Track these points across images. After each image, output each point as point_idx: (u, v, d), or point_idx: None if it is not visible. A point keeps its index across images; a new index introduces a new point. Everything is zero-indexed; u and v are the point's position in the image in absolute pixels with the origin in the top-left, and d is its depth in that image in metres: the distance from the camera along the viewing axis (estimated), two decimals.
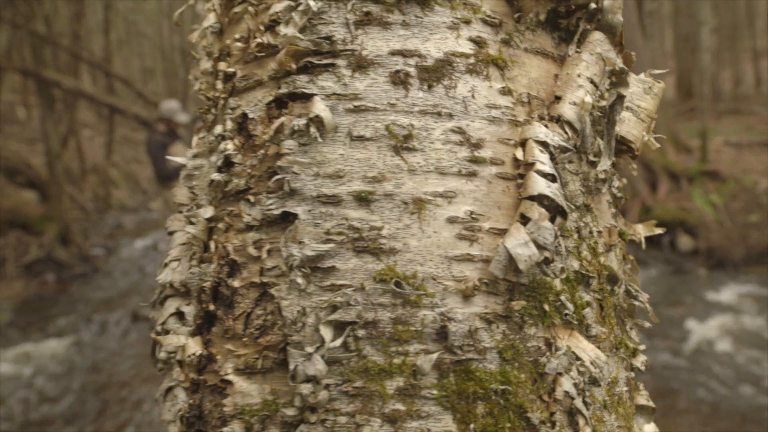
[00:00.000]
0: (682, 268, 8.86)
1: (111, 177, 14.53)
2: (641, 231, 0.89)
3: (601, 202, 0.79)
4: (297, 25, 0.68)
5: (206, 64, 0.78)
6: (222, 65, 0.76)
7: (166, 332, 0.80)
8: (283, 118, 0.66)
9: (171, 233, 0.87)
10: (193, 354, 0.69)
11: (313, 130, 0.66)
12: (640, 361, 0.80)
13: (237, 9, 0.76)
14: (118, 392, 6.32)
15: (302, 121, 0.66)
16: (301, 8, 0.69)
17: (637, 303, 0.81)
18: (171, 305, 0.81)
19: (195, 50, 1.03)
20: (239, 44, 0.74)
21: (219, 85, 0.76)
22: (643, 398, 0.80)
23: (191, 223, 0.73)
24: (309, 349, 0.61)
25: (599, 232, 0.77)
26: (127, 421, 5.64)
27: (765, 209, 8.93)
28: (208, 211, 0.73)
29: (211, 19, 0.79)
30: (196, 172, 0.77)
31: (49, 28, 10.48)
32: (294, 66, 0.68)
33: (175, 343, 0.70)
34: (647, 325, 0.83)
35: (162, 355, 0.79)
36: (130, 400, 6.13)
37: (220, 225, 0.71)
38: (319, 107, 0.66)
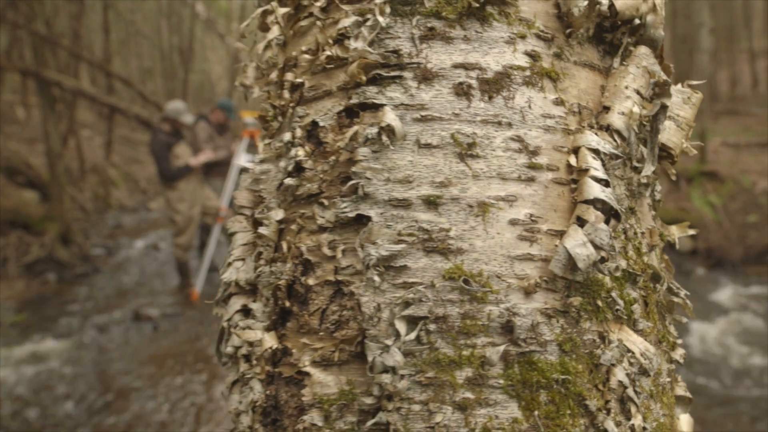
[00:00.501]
0: (681, 268, 8.94)
1: (110, 177, 14.53)
2: (675, 232, 0.94)
3: (642, 205, 0.85)
4: (366, 40, 0.73)
5: (272, 75, 0.83)
6: (289, 75, 0.80)
7: (232, 328, 0.85)
8: (356, 127, 0.71)
9: (232, 234, 0.92)
10: (269, 348, 0.74)
11: (384, 138, 0.70)
12: (678, 354, 0.85)
13: (303, 23, 0.80)
14: (122, 391, 6.34)
15: (374, 130, 0.71)
16: (369, 24, 0.74)
17: (676, 299, 0.86)
18: (236, 302, 0.86)
19: (244, 58, 1.08)
20: (307, 56, 0.79)
21: (286, 94, 0.80)
22: (681, 389, 0.86)
23: (261, 224, 0.78)
24: (387, 342, 0.65)
25: (642, 233, 0.82)
26: (130, 421, 5.67)
27: (763, 209, 9.02)
28: (278, 214, 0.77)
29: (275, 32, 0.84)
30: (263, 176, 0.82)
31: (50, 28, 10.49)
32: (364, 78, 0.73)
33: (253, 337, 0.75)
34: (684, 320, 0.88)
35: (228, 349, 0.84)
36: (134, 400, 6.15)
37: (293, 227, 0.76)
38: (390, 117, 0.71)
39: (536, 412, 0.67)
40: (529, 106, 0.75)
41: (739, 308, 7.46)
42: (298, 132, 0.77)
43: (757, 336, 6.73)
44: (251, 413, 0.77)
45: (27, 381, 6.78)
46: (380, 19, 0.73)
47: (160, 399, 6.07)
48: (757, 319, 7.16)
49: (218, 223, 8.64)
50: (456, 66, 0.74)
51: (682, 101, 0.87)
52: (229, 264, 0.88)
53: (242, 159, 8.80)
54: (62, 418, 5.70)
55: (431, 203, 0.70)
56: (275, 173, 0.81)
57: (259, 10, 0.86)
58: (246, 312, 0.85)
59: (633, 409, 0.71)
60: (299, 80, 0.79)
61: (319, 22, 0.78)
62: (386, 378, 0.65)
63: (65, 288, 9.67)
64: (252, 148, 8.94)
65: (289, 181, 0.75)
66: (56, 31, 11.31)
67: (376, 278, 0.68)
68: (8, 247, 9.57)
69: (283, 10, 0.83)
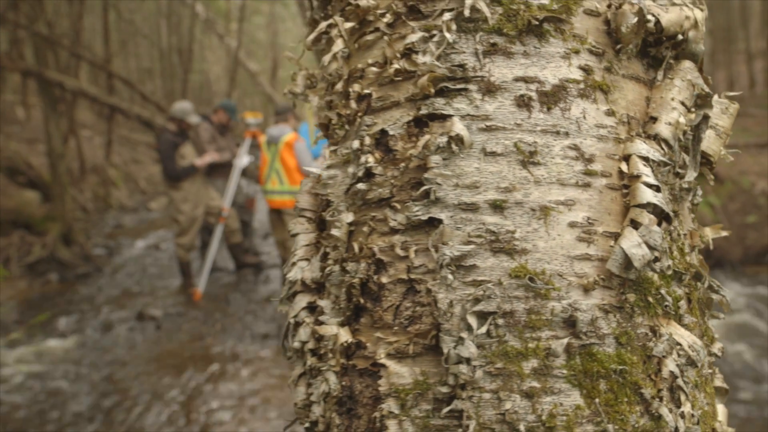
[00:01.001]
0: None
1: (110, 177, 14.54)
2: (709, 233, 1.00)
3: (684, 209, 0.90)
4: (434, 54, 0.79)
5: (338, 85, 0.88)
6: (356, 87, 0.86)
7: (298, 324, 0.91)
8: (427, 136, 0.77)
9: (294, 235, 0.97)
10: (345, 342, 0.79)
11: (453, 146, 0.76)
12: (717, 347, 0.91)
13: (369, 37, 0.86)
14: (127, 391, 6.37)
15: (444, 139, 0.76)
16: (436, 39, 0.80)
17: (714, 296, 0.92)
18: (302, 300, 0.91)
19: (298, 66, 1.13)
20: (374, 68, 0.84)
21: (353, 104, 0.86)
22: (719, 380, 0.92)
23: (325, 226, 0.83)
24: (462, 335, 0.71)
25: (684, 234, 0.88)
26: (135, 420, 5.70)
27: (762, 210, 9.13)
28: (349, 216, 0.83)
29: (339, 45, 0.89)
30: (330, 181, 0.87)
31: (51, 29, 10.50)
32: (432, 90, 0.78)
33: (329, 332, 0.80)
34: (722, 316, 0.94)
35: (296, 344, 0.89)
36: (139, 399, 6.18)
37: (364, 228, 0.81)
38: (459, 126, 0.76)
39: (597, 400, 0.73)
40: (584, 117, 0.80)
41: (738, 308, 7.55)
42: (367, 140, 0.82)
43: (756, 336, 6.81)
44: (323, 403, 0.82)
45: (31, 380, 6.80)
46: (448, 35, 0.78)
47: (165, 398, 6.11)
48: (756, 319, 7.25)
49: (220, 224, 8.68)
50: (517, 79, 0.79)
51: (721, 111, 0.92)
52: (293, 264, 0.93)
53: (244, 160, 8.85)
54: (67, 417, 5.73)
55: (497, 207, 0.76)
56: (342, 178, 0.86)
57: (324, 24, 0.91)
58: (311, 309, 0.91)
59: (683, 398, 0.77)
60: (367, 91, 0.84)
61: (386, 37, 0.83)
62: (463, 368, 0.70)
63: (67, 288, 9.70)
64: (253, 149, 8.99)
65: (360, 186, 0.81)
66: (57, 31, 11.32)
67: (450, 276, 0.73)
68: (10, 247, 9.58)
69: (348, 25, 0.88)
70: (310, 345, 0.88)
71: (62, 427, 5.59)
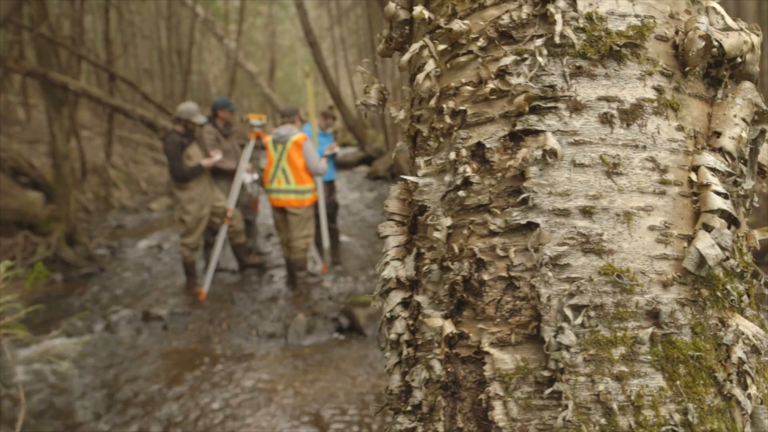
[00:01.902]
0: None
1: (111, 177, 14.57)
2: (757, 235, 1.11)
3: (740, 213, 1.01)
4: (527, 76, 0.89)
5: (431, 101, 0.98)
6: (450, 103, 0.96)
7: (393, 318, 1.00)
8: (525, 149, 0.87)
9: (384, 237, 1.07)
10: (450, 333, 0.89)
11: (548, 158, 0.86)
12: None
13: (462, 59, 0.96)
14: (134, 390, 6.43)
15: (540, 152, 0.86)
16: (528, 62, 0.90)
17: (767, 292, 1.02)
18: (396, 296, 1.01)
19: (366, 80, 1.23)
20: (468, 87, 0.94)
21: (447, 119, 0.96)
22: None
23: (436, 229, 0.93)
24: (562, 325, 0.81)
25: (742, 236, 0.99)
26: (145, 419, 5.76)
27: (761, 211, 9.29)
28: (447, 221, 0.92)
29: (431, 65, 0.99)
30: (426, 188, 0.97)
31: (53, 31, 10.54)
32: (527, 108, 0.88)
33: (436, 324, 0.90)
34: None
35: (392, 336, 0.99)
36: (147, 399, 6.24)
37: (464, 231, 0.91)
38: (552, 141, 0.86)
39: (677, 382, 0.83)
40: (658, 132, 0.90)
41: None
42: (463, 152, 0.92)
43: None
44: (425, 388, 0.92)
45: (40, 380, 6.85)
46: (540, 59, 0.88)
47: (174, 397, 6.18)
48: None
49: (225, 224, 8.75)
50: (600, 98, 0.89)
51: None
52: (386, 263, 1.03)
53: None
54: (74, 417, 5.79)
55: (586, 212, 0.86)
56: (438, 186, 0.96)
57: (417, 45, 1.01)
58: (405, 304, 1.00)
59: (749, 381, 0.87)
60: (462, 107, 0.94)
61: (479, 59, 0.93)
62: (565, 354, 0.80)
63: (72, 288, 9.74)
64: (257, 150, 9.07)
65: (460, 193, 0.90)
66: (60, 33, 11.36)
67: (549, 274, 0.83)
68: (15, 247, 9.62)
69: (441, 47, 0.98)
70: (406, 337, 0.98)
71: (75, 426, 5.64)
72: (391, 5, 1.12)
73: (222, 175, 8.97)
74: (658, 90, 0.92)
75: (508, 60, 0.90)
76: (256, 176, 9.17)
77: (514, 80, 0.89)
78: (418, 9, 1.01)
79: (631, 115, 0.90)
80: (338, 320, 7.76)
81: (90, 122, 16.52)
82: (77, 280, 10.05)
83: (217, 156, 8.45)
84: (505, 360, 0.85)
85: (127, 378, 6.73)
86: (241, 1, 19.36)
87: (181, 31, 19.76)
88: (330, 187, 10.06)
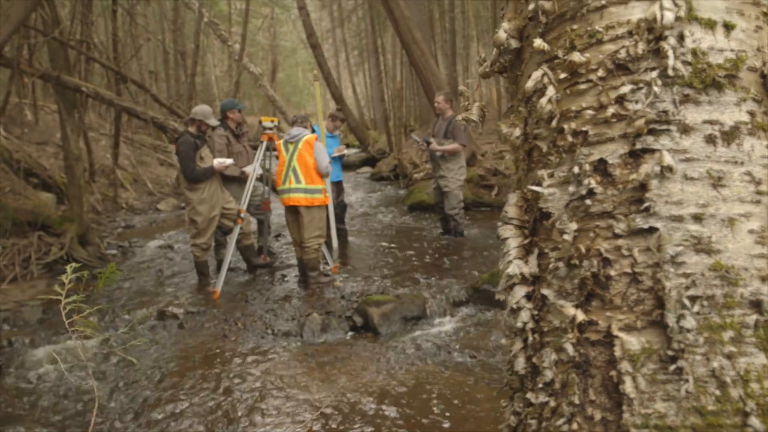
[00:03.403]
0: None
1: (119, 178, 14.69)
2: None
3: None
4: (644, 103, 1.05)
5: (553, 122, 1.14)
6: (573, 125, 1.12)
7: (519, 309, 1.16)
8: (646, 165, 1.03)
9: (504, 239, 1.23)
10: (583, 320, 1.05)
11: (665, 173, 1.02)
12: None
13: (582, 86, 1.12)
14: (153, 389, 6.53)
15: (658, 168, 1.02)
16: (644, 91, 1.06)
17: None
18: (520, 290, 1.17)
19: (468, 98, 1.38)
20: (589, 111, 1.10)
21: (569, 137, 1.12)
22: None
23: (565, 232, 1.09)
24: (683, 312, 0.97)
25: None
26: (163, 419, 5.87)
27: None
28: (573, 225, 1.09)
29: (551, 91, 1.15)
30: (550, 197, 1.13)
31: (64, 34, 10.65)
32: (646, 130, 1.05)
33: (569, 313, 1.06)
34: None
35: (518, 324, 1.15)
36: (166, 397, 6.34)
37: (590, 234, 1.07)
38: (668, 158, 1.03)
39: None
40: (753, 150, 1.07)
41: None
42: (586, 166, 1.08)
43: None
44: (554, 368, 1.08)
45: (59, 380, 6.96)
46: (656, 89, 1.04)
47: (195, 394, 6.30)
48: None
49: (238, 225, 8.89)
50: (705, 122, 1.06)
51: None
52: (510, 262, 1.19)
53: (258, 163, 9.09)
54: (99, 415, 5.89)
55: (697, 218, 1.02)
56: (561, 195, 1.12)
57: (539, 73, 1.17)
58: (528, 297, 1.17)
59: None
60: (583, 129, 1.10)
61: (599, 87, 1.09)
62: (688, 336, 0.96)
63: (85, 288, 9.83)
64: (269, 151, 9.22)
65: (586, 201, 1.07)
66: (72, 36, 11.47)
67: (671, 270, 0.99)
68: (30, 247, 9.73)
69: (562, 75, 1.14)
70: (531, 325, 1.14)
71: (97, 425, 5.74)
72: (503, 34, 1.28)
73: (233, 178, 9.10)
74: (751, 114, 1.08)
75: (626, 89, 1.07)
76: (260, 171, 9.28)
77: (632, 106, 1.06)
78: (539, 41, 1.17)
79: (731, 135, 1.06)
80: (352, 319, 7.90)
81: (96, 124, 16.61)
82: (90, 280, 10.15)
83: (228, 161, 8.58)
84: (632, 342, 1.01)
85: (148, 377, 6.84)
86: (246, 3, 19.51)
87: (185, 33, 19.87)
88: (338, 187, 10.20)
